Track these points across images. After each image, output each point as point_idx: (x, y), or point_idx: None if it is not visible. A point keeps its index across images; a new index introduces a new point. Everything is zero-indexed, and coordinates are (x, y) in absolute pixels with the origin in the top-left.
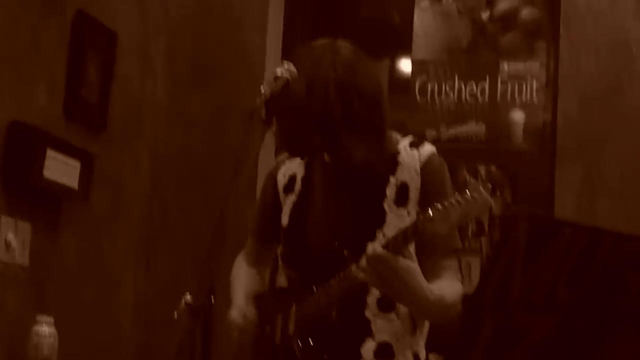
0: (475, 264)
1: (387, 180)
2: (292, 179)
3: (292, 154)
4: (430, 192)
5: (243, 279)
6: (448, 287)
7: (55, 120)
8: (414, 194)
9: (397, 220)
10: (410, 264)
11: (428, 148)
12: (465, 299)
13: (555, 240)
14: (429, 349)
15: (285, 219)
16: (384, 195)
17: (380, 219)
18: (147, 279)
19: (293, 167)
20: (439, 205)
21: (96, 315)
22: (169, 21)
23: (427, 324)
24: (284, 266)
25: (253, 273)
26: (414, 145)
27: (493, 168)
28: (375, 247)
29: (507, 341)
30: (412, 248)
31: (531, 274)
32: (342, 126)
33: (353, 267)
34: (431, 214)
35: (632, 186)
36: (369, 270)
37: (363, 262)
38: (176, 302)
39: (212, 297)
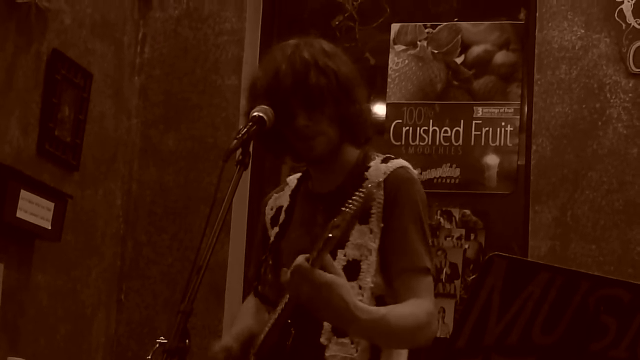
0: (449, 307)
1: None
2: (278, 210)
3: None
4: (391, 206)
5: (242, 320)
6: (401, 307)
7: (29, 158)
8: (376, 209)
9: (360, 238)
10: (335, 279)
11: (397, 162)
12: (442, 341)
13: (532, 282)
14: None
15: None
16: None
17: (343, 240)
18: (119, 319)
19: (281, 199)
20: (343, 209)
21: (68, 355)
22: (143, 61)
23: (399, 355)
24: (261, 302)
25: (253, 312)
26: (386, 160)
27: (467, 211)
28: (298, 259)
29: None
30: (372, 262)
31: (507, 316)
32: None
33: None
34: (335, 220)
35: (605, 229)
36: (291, 284)
37: (285, 276)
38: (148, 342)
39: (187, 339)
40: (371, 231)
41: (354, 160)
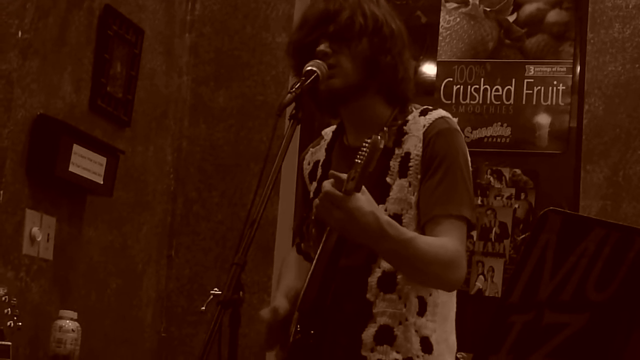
0: (499, 267)
1: (393, 153)
2: (315, 165)
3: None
4: (429, 158)
5: (288, 274)
6: (432, 238)
7: (81, 114)
8: (414, 161)
9: (400, 192)
10: (366, 199)
11: (436, 113)
12: (492, 300)
13: (587, 238)
14: (457, 347)
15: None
16: (388, 168)
17: (383, 194)
18: (169, 274)
19: (317, 153)
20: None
21: (118, 310)
22: (194, 18)
23: (444, 306)
24: (304, 260)
25: (300, 268)
26: (424, 112)
27: (518, 171)
28: (325, 186)
29: (535, 340)
30: (413, 216)
31: (561, 272)
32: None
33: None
34: (358, 157)
35: None
36: (319, 206)
37: (316, 201)
38: (197, 298)
39: (241, 291)
40: (410, 184)
41: (389, 113)
